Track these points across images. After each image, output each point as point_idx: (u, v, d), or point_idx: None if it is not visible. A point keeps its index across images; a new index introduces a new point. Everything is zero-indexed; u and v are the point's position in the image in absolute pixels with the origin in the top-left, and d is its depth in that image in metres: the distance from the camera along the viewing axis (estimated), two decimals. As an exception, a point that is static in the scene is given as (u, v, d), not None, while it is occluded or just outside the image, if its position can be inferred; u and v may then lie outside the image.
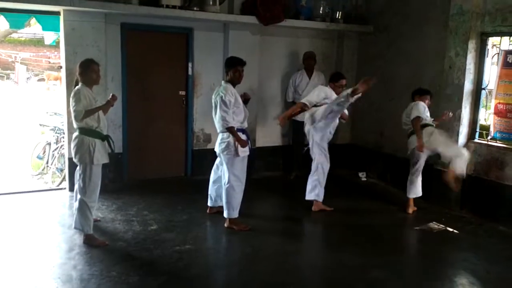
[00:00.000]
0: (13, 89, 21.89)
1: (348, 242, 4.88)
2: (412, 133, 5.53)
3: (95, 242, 4.46)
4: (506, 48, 5.51)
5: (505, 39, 5.53)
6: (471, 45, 5.61)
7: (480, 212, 5.65)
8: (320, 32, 7.45)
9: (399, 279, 4.11)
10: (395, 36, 6.92)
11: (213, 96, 4.88)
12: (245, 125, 5.00)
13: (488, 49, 5.72)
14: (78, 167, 4.48)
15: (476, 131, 5.81)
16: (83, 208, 4.40)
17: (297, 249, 4.68)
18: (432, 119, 5.61)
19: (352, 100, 5.06)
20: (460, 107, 5.72)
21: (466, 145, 5.78)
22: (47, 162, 7.57)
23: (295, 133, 7.26)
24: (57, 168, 7.25)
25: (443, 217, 5.61)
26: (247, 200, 5.16)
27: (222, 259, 4.52)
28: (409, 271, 4.37)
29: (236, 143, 4.75)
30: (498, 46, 5.65)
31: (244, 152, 4.84)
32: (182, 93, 6.83)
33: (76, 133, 4.39)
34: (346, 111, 5.60)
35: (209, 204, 5.42)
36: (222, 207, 5.08)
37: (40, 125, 8.41)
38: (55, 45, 11.96)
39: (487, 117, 5.88)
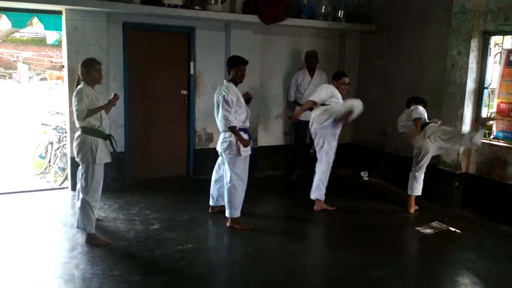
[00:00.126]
0: (15, 89, 21.92)
1: (350, 241, 4.88)
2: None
3: (97, 241, 4.46)
4: (509, 47, 5.51)
5: (508, 38, 5.52)
6: (474, 44, 5.60)
7: (482, 212, 5.64)
8: (322, 31, 7.45)
9: (401, 279, 4.10)
10: (397, 35, 6.91)
11: (215, 95, 4.88)
12: (247, 124, 5.00)
13: (490, 48, 5.71)
14: (80, 166, 4.49)
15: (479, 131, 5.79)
16: (85, 207, 4.41)
17: (299, 248, 4.68)
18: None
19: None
20: (463, 106, 5.71)
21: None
22: (49, 162, 7.57)
23: (297, 132, 7.26)
24: (59, 167, 7.25)
25: (445, 217, 5.60)
26: (249, 200, 5.16)
27: (224, 259, 4.52)
28: (410, 271, 4.37)
29: (238, 142, 4.75)
30: (501, 45, 5.64)
31: (246, 151, 4.84)
32: (184, 92, 6.83)
33: (78, 132, 4.39)
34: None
35: (211, 203, 5.42)
36: (224, 206, 5.08)
37: (42, 124, 8.42)
38: (57, 45, 11.99)
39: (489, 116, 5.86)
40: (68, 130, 6.16)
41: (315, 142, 5.64)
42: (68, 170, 6.29)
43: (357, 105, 5.34)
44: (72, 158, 5.37)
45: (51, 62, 24.84)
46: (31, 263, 4.08)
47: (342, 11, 7.17)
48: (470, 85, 5.69)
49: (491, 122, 5.55)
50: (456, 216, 5.66)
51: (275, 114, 7.44)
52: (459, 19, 5.68)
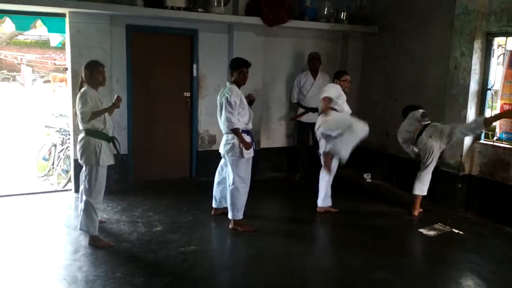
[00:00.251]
0: (19, 91, 22.01)
1: (352, 243, 4.87)
2: (419, 134, 5.53)
3: (100, 243, 4.47)
4: (512, 49, 5.50)
5: (511, 39, 5.50)
6: (477, 45, 5.58)
7: (486, 213, 5.62)
8: (324, 33, 7.45)
9: (404, 281, 4.09)
10: (399, 36, 6.90)
11: (218, 97, 4.89)
12: (250, 126, 5.00)
13: (493, 49, 5.69)
14: (83, 169, 4.50)
15: (482, 132, 5.78)
16: (88, 210, 4.42)
17: (301, 250, 4.67)
18: None
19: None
20: (466, 108, 5.69)
21: (471, 146, 5.76)
22: (52, 164, 7.61)
23: (300, 134, 7.25)
24: (62, 169, 7.27)
25: (448, 218, 5.58)
26: (252, 202, 5.16)
27: (226, 260, 4.52)
28: (413, 273, 4.35)
29: (241, 144, 4.76)
30: (504, 46, 5.62)
31: (249, 153, 4.84)
32: (187, 94, 6.84)
33: (82, 135, 4.40)
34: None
35: (213, 205, 5.42)
36: (226, 208, 5.08)
37: (46, 126, 8.45)
38: (61, 47, 12.02)
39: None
40: (71, 132, 6.17)
41: (320, 145, 5.65)
42: (72, 172, 6.31)
43: (361, 127, 5.30)
44: (76, 160, 5.38)
45: (55, 64, 24.95)
46: (35, 265, 4.09)
47: (345, 13, 7.17)
48: (473, 86, 5.68)
49: (494, 124, 5.53)
50: (459, 218, 5.64)
51: (277, 116, 7.44)
52: (462, 20, 5.67)
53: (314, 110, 6.70)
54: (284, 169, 7.58)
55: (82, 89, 4.37)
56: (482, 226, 5.43)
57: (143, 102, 6.56)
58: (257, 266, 4.29)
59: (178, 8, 5.96)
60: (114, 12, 5.78)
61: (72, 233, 4.78)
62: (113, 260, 4.19)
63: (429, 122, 5.59)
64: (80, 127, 4.40)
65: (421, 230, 5.29)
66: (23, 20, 6.33)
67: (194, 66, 6.78)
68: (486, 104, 5.76)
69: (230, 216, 5.00)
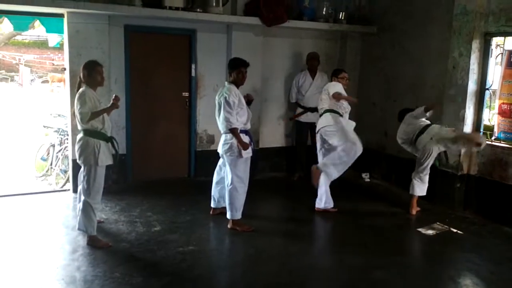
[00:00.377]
0: (17, 91, 21.98)
1: (351, 243, 4.87)
2: (418, 135, 5.53)
3: (99, 243, 4.47)
4: (510, 48, 5.50)
5: (509, 39, 5.52)
6: (475, 45, 5.59)
7: (484, 213, 5.63)
8: (323, 33, 7.45)
9: (402, 280, 4.10)
10: (398, 36, 6.91)
11: (216, 97, 4.89)
12: (248, 126, 5.00)
13: (492, 49, 5.70)
14: (82, 169, 4.50)
15: (480, 132, 5.78)
16: (87, 210, 4.41)
17: (300, 250, 4.67)
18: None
19: None
20: (464, 108, 5.70)
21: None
22: (51, 164, 7.60)
23: (298, 133, 7.26)
24: (61, 169, 7.27)
25: (446, 218, 5.59)
26: (250, 201, 5.17)
27: (225, 260, 4.52)
28: (412, 272, 4.36)
29: (239, 144, 4.76)
30: (502, 46, 5.64)
31: (247, 153, 4.84)
32: (185, 94, 6.84)
33: (80, 135, 4.39)
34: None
35: (212, 205, 5.42)
36: (225, 208, 5.08)
37: (44, 127, 8.44)
38: (59, 47, 12.04)
39: (491, 117, 5.85)
40: (69, 133, 6.17)
41: (317, 145, 5.66)
42: (70, 172, 6.31)
43: (358, 146, 5.38)
44: (74, 160, 5.37)
45: (53, 64, 24.89)
46: (33, 265, 4.08)
47: (343, 13, 7.18)
48: (472, 86, 5.69)
49: (492, 123, 5.54)
50: (457, 217, 5.65)
51: (276, 115, 7.44)
52: (461, 21, 5.68)
53: (313, 110, 6.72)
54: (282, 169, 7.58)
55: (81, 90, 4.36)
56: (480, 225, 5.43)
57: (141, 102, 6.56)
58: (256, 265, 4.29)
59: (177, 8, 5.96)
60: (113, 12, 5.77)
61: (70, 233, 4.78)
62: (112, 260, 4.18)
63: (430, 122, 5.59)
64: (79, 127, 4.39)
65: (419, 229, 5.30)
66: (21, 20, 6.31)
67: (193, 66, 6.77)
68: (484, 104, 5.77)
69: (228, 216, 5.00)
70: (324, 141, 5.56)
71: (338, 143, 5.40)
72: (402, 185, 6.51)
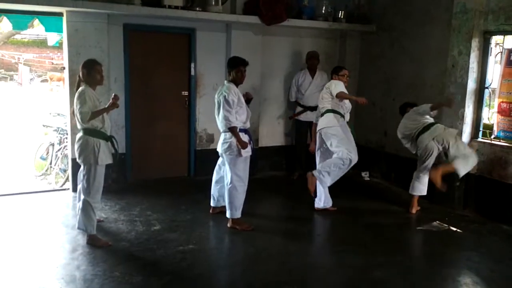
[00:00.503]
0: (17, 90, 21.96)
1: (351, 242, 4.87)
2: (419, 134, 5.52)
3: (99, 242, 4.46)
4: (510, 47, 5.50)
5: (509, 37, 5.52)
6: (474, 44, 5.59)
7: (484, 212, 5.63)
8: (322, 32, 7.45)
9: (402, 279, 4.09)
10: (397, 35, 6.91)
11: (216, 96, 4.88)
12: (248, 125, 5.00)
13: (491, 48, 5.71)
14: (81, 168, 4.50)
15: (480, 130, 5.79)
16: (86, 209, 4.41)
17: (300, 249, 4.68)
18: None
19: None
20: (464, 106, 5.70)
21: (469, 144, 5.75)
22: (50, 163, 7.59)
23: (298, 132, 7.26)
24: (60, 168, 7.27)
25: (446, 217, 5.60)
26: (250, 200, 5.17)
27: (225, 259, 4.52)
28: (412, 271, 4.35)
29: (238, 143, 4.76)
30: (502, 44, 5.64)
31: (247, 152, 4.84)
32: (185, 93, 6.84)
33: (80, 134, 4.39)
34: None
35: (212, 204, 5.42)
36: (225, 207, 5.08)
37: (44, 126, 8.44)
38: (58, 46, 12.03)
39: (490, 116, 5.85)
40: (69, 132, 6.17)
41: (318, 144, 5.66)
42: (69, 172, 6.31)
43: (353, 156, 5.36)
44: (73, 160, 5.37)
45: (52, 63, 24.87)
46: (33, 264, 4.08)
47: (343, 11, 7.18)
48: (471, 85, 5.68)
49: (492, 121, 5.53)
50: (457, 216, 5.66)
51: (276, 114, 7.44)
52: (460, 19, 5.68)
53: (312, 108, 6.72)
54: (282, 168, 7.59)
55: (80, 89, 4.35)
56: (480, 224, 5.44)
57: (141, 101, 6.56)
58: (256, 264, 4.29)
59: (176, 7, 5.95)
60: (112, 11, 5.76)
61: (70, 232, 4.78)
62: (111, 259, 4.18)
63: (434, 121, 5.57)
64: (78, 126, 4.38)
65: (419, 228, 5.31)
66: (21, 19, 6.32)
67: (192, 65, 6.77)
68: (484, 102, 5.77)
69: (228, 214, 5.00)
70: (323, 141, 5.55)
71: (336, 147, 5.34)
72: (401, 184, 6.52)
